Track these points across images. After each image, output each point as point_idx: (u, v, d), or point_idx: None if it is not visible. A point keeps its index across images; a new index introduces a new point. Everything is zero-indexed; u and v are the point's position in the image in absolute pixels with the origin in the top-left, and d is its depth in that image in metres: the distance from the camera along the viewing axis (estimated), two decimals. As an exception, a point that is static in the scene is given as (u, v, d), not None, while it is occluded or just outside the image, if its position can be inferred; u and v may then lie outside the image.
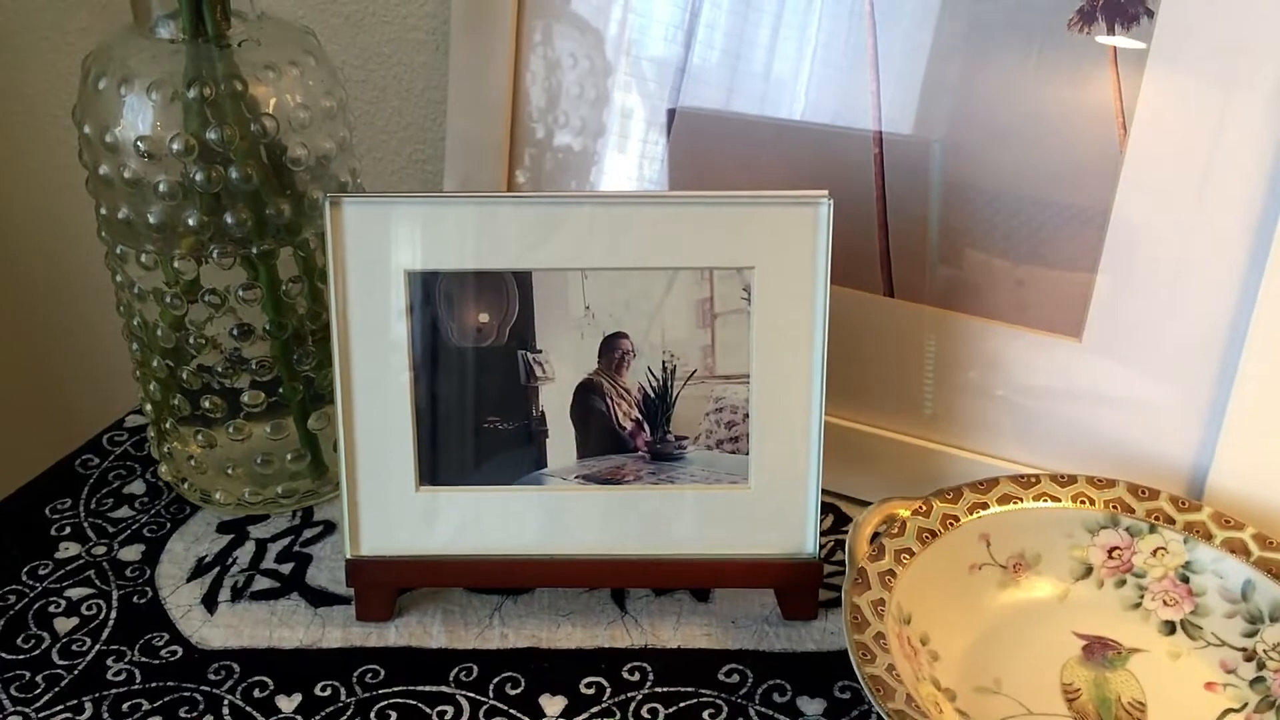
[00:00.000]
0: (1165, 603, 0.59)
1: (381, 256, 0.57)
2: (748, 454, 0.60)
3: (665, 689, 0.59)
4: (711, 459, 0.60)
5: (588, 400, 0.59)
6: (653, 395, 0.59)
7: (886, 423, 0.70)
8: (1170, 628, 0.59)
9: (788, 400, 0.59)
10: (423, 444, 0.60)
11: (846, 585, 0.55)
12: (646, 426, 0.60)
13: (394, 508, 0.60)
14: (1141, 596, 0.60)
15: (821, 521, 0.69)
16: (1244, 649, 0.56)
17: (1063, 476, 0.61)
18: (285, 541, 0.68)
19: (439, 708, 0.57)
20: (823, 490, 0.71)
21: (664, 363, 0.59)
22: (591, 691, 0.58)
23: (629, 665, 0.60)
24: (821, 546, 0.67)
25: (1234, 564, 0.58)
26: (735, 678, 0.59)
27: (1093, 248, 0.63)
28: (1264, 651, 0.56)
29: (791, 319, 0.58)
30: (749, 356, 0.59)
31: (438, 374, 0.59)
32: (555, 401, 0.59)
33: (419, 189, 0.91)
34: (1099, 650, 0.58)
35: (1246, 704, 0.55)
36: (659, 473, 0.60)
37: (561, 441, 0.60)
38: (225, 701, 0.58)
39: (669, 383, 0.59)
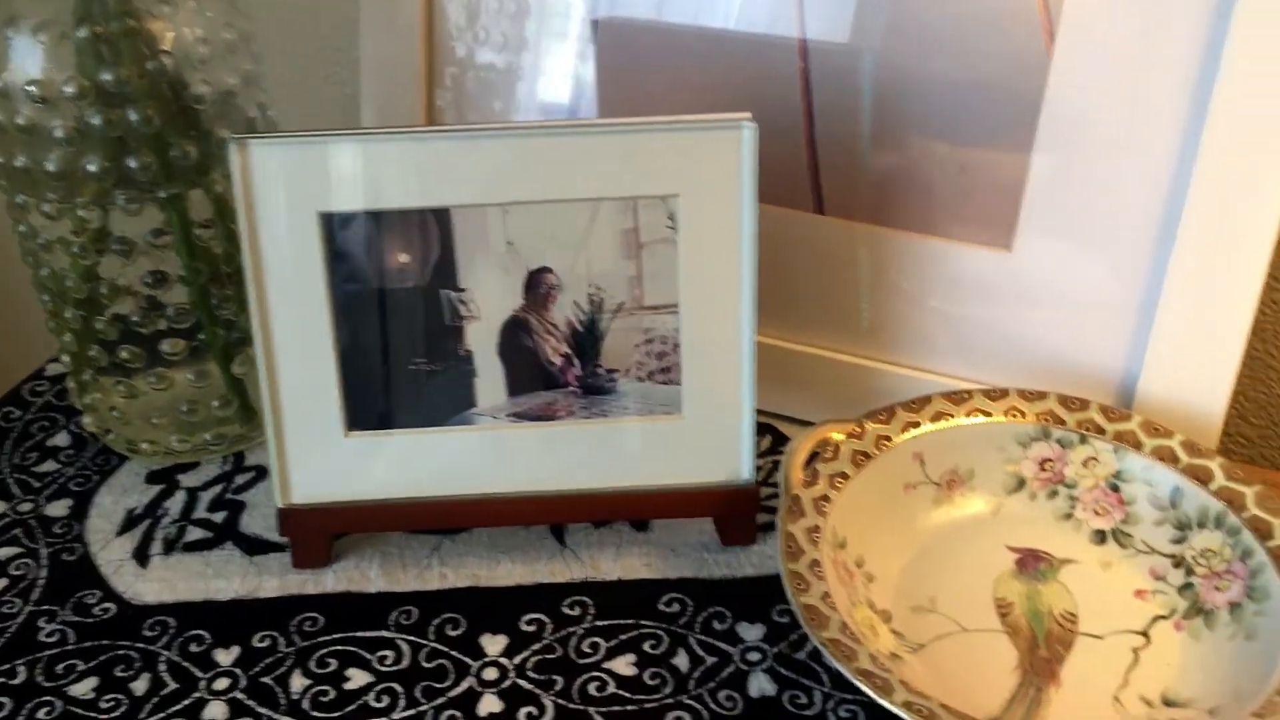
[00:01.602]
0: (1096, 512, 0.60)
1: (293, 199, 0.55)
2: (680, 384, 0.59)
3: (606, 622, 0.59)
4: (644, 390, 0.59)
5: (515, 337, 0.58)
6: (581, 329, 0.58)
7: (821, 341, 0.70)
8: (1101, 537, 0.59)
9: (718, 328, 0.58)
10: (349, 389, 0.58)
11: (781, 513, 0.55)
12: (576, 361, 0.59)
13: (323, 454, 0.59)
14: (1073, 507, 0.60)
15: (759, 443, 0.69)
16: (1173, 556, 0.57)
17: (994, 391, 0.62)
18: (217, 489, 0.67)
19: (379, 653, 0.57)
20: (760, 411, 0.71)
21: (591, 296, 0.58)
22: (532, 629, 0.58)
23: (569, 600, 0.60)
24: (759, 469, 0.67)
25: (1163, 471, 0.58)
26: (675, 607, 0.59)
27: (1020, 158, 0.62)
28: (1192, 558, 0.57)
29: (718, 246, 0.57)
30: (677, 286, 0.58)
31: (360, 317, 0.57)
32: (482, 340, 0.58)
33: (337, 115, 0.88)
34: (1031, 563, 0.58)
35: (1175, 610, 0.56)
36: (591, 407, 0.59)
37: (491, 380, 0.59)
38: (162, 658, 0.57)
39: (597, 316, 0.58)
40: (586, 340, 0.58)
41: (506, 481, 0.60)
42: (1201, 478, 0.57)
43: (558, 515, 0.62)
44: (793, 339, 0.70)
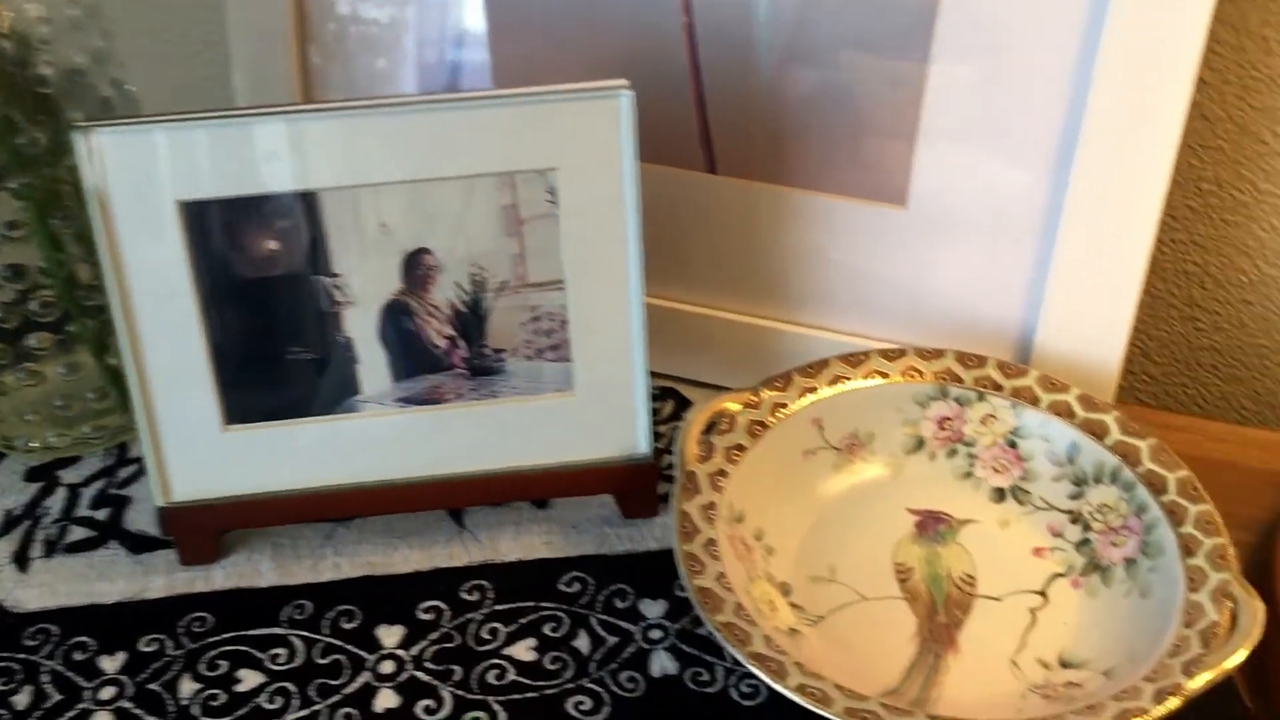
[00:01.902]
0: (995, 470, 0.60)
1: (148, 188, 0.52)
2: (570, 361, 0.57)
3: (505, 606, 0.58)
4: (534, 369, 0.58)
5: (396, 321, 0.56)
6: (464, 310, 0.56)
7: (720, 302, 0.68)
8: (1000, 495, 0.59)
9: (606, 303, 0.56)
10: (224, 381, 0.56)
11: (675, 492, 0.54)
12: (462, 343, 0.57)
13: (202, 450, 0.57)
14: (972, 465, 0.60)
15: (660, 409, 0.68)
16: (1070, 512, 0.57)
17: (892, 351, 0.61)
18: (99, 485, 0.64)
19: (272, 651, 0.55)
20: (661, 375, 0.70)
21: (472, 275, 0.55)
22: (430, 617, 0.57)
23: (468, 584, 0.59)
24: (660, 436, 0.66)
25: (1060, 427, 0.58)
26: (576, 586, 0.58)
27: (912, 112, 0.61)
28: (1089, 513, 0.57)
29: (602, 219, 0.55)
30: (561, 262, 0.56)
31: (230, 308, 0.55)
32: (362, 326, 0.56)
33: (211, 84, 0.84)
34: (931, 525, 0.58)
35: (1072, 567, 0.56)
36: (480, 388, 0.58)
37: (374, 366, 0.57)
38: (44, 668, 0.55)
39: (480, 296, 0.56)
40: (470, 321, 0.56)
41: (398, 468, 0.58)
42: (1097, 432, 0.57)
43: (452, 500, 0.60)
44: (692, 301, 0.68)
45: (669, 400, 0.69)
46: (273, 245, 0.54)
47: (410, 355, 0.57)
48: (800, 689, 0.46)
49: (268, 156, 0.52)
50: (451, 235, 0.55)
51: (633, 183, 0.54)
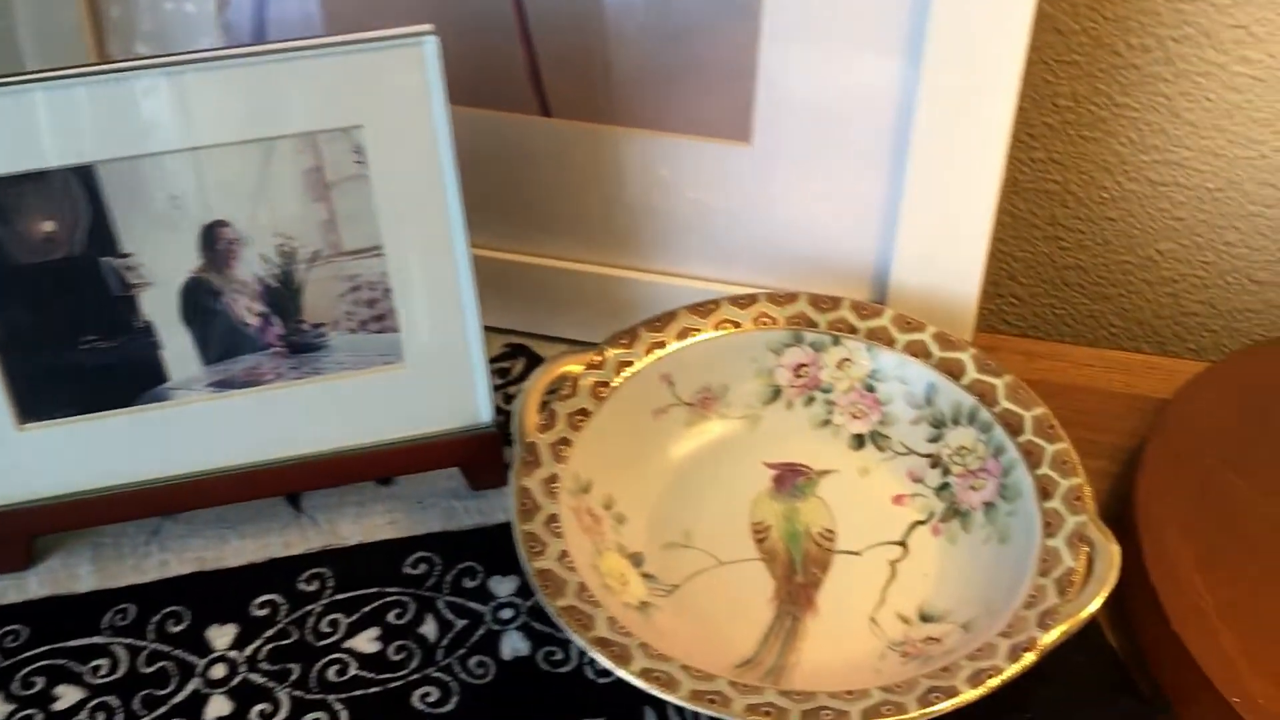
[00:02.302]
0: (853, 415, 0.57)
1: (-102, 170, 0.47)
2: (397, 331, 0.53)
3: (346, 594, 0.54)
4: (358, 342, 0.54)
5: (199, 301, 0.51)
6: (274, 284, 0.52)
7: (565, 252, 0.64)
8: (859, 441, 0.57)
9: (429, 267, 0.52)
10: (12, 378, 0.51)
11: (514, 467, 0.51)
12: (276, 319, 0.52)
13: (-2, 452, 0.52)
14: (830, 413, 0.58)
15: (510, 369, 0.65)
16: (930, 456, 0.55)
17: (742, 298, 0.58)
18: (-101, 491, 0.59)
19: (93, 663, 0.51)
20: (509, 332, 0.66)
21: (280, 246, 0.51)
22: (265, 612, 0.54)
23: (306, 574, 0.55)
24: (511, 398, 0.63)
25: (916, 368, 0.56)
26: (422, 568, 0.55)
27: (750, 43, 0.57)
28: (948, 456, 0.55)
29: (416, 177, 0.51)
30: (377, 226, 0.51)
31: (9, 299, 0.50)
32: (161, 308, 0.51)
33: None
34: (789, 479, 0.56)
35: (933, 514, 0.54)
36: (302, 366, 0.53)
37: (180, 351, 0.52)
38: None
39: (290, 268, 0.51)
40: (283, 295, 0.52)
41: (220, 456, 0.54)
42: (954, 372, 0.55)
43: (283, 486, 0.56)
44: (536, 253, 0.65)
45: (519, 359, 0.66)
46: (49, 227, 0.49)
47: (220, 336, 0.52)
48: (644, 673, 0.44)
49: (31, 129, 0.47)
50: (251, 204, 0.50)
51: (446, 135, 0.50)
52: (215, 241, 0.50)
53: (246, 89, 0.48)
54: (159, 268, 0.50)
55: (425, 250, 0.52)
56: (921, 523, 0.54)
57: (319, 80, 0.48)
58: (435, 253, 0.52)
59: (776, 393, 0.58)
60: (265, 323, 0.52)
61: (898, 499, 0.55)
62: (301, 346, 0.53)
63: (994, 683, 0.43)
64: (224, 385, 0.53)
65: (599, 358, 0.55)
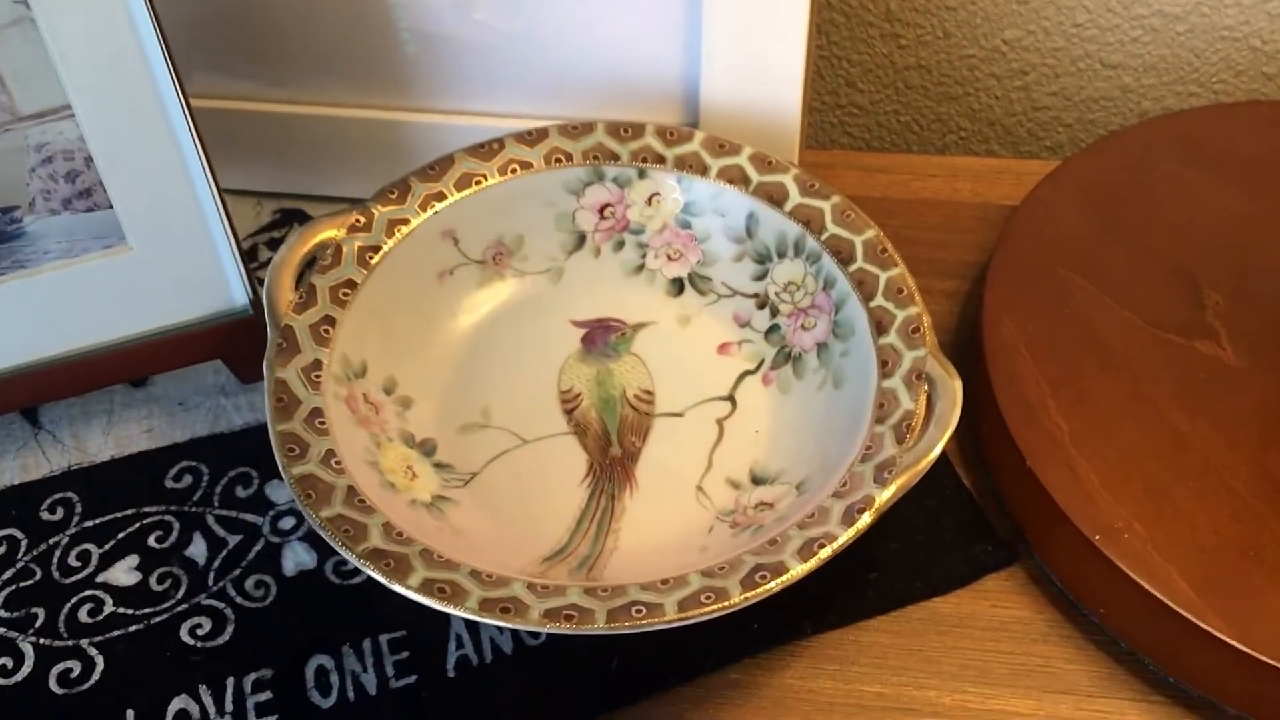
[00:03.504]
0: (669, 257, 0.50)
1: None
2: (111, 206, 0.45)
3: (97, 520, 0.47)
4: (66, 225, 0.45)
5: None
6: (-60, 164, 0.42)
7: (331, 96, 0.55)
8: (679, 286, 0.50)
9: (138, 126, 0.43)
10: None
11: (268, 356, 0.43)
12: (-48, 206, 0.43)
13: None
14: (644, 256, 0.50)
15: (279, 237, 0.56)
16: (756, 295, 0.49)
17: (529, 134, 0.50)
18: None
19: None
20: (279, 195, 0.58)
21: (-64, 117, 0.41)
22: (1, 550, 0.46)
23: (49, 500, 0.47)
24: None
25: (734, 196, 0.49)
26: (187, 480, 0.48)
27: None
28: (775, 294, 0.48)
29: (100, 13, 0.41)
30: (60, 80, 0.42)
31: None
32: None
33: None
34: (600, 337, 0.49)
35: (763, 361, 0.48)
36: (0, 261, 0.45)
37: None
38: None
39: (-44, 142, 0.42)
40: (-46, 177, 0.43)
41: (-81, 375, 0.46)
42: (776, 197, 0.48)
43: (9, 401, 0.47)
44: (298, 100, 0.55)
45: (291, 224, 0.57)
46: None
47: (-116, 234, 0.43)
48: (425, 586, 0.37)
49: None
50: (-113, 66, 0.40)
51: (127, -40, 0.40)
52: None
53: None
54: None
55: (126, 105, 0.43)
56: (750, 372, 0.48)
57: (-57, -102, 0.38)
58: (140, 106, 0.43)
59: (580, 240, 0.50)
60: (-61, 212, 0.43)
61: (723, 348, 0.49)
62: (-7, 237, 0.44)
63: (826, 554, 0.38)
64: (-95, 292, 0.44)
65: (363, 218, 0.47)
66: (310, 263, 0.46)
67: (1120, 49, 0.64)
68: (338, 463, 0.41)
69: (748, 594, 0.37)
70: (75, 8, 0.41)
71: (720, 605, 0.37)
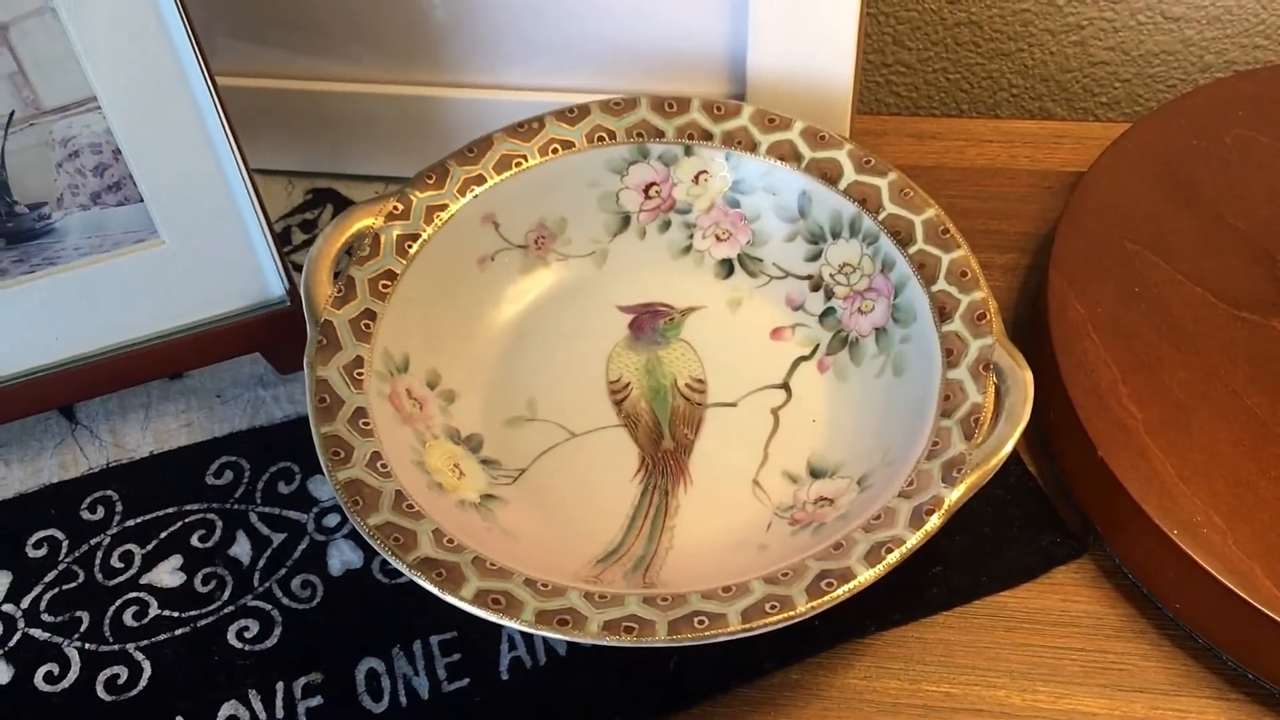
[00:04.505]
0: (718, 238, 0.48)
1: None
2: (142, 200, 0.43)
3: (139, 519, 0.46)
4: (96, 220, 0.43)
5: None
6: (-35, 161, 0.41)
7: (366, 73, 0.53)
8: (728, 268, 0.48)
9: (166, 113, 0.41)
10: None
11: (309, 355, 0.42)
12: (-21, 204, 0.42)
13: None
14: (691, 237, 0.49)
15: (314, 219, 0.55)
16: (809, 276, 0.47)
17: (570, 112, 0.48)
18: None
19: None
20: (312, 175, 0.56)
21: (-41, 112, 0.40)
22: (43, 552, 0.45)
23: (89, 499, 0.46)
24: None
25: (786, 174, 0.47)
26: (228, 476, 0.47)
27: None
28: (830, 276, 0.46)
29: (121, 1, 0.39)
30: (84, 71, 0.40)
31: None
32: None
33: None
34: (648, 323, 0.47)
35: (818, 346, 0.46)
36: (28, 259, 0.43)
37: None
38: None
39: (-19, 138, 0.40)
40: (-21, 174, 0.41)
41: (-48, 375, 0.44)
42: (830, 175, 0.46)
43: (45, 399, 0.46)
44: (331, 76, 0.53)
45: (325, 205, 0.55)
46: None
47: (-89, 234, 0.41)
48: (480, 597, 0.36)
49: None
50: (-94, 61, 0.38)
51: (150, -56, 0.38)
52: None
53: None
54: None
55: (153, 94, 0.41)
56: (805, 358, 0.46)
57: (-44, -117, 0.36)
58: (167, 95, 0.41)
59: (625, 221, 0.48)
60: (-34, 210, 0.42)
61: (776, 333, 0.47)
62: (21, 234, 0.42)
63: (894, 559, 0.36)
64: (-66, 292, 0.43)
65: (401, 205, 0.45)
66: (348, 253, 0.44)
67: (1182, 1, 0.61)
68: (383, 465, 0.39)
69: (814, 602, 0.35)
70: (98, -5, 0.39)
71: (785, 615, 0.35)
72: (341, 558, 0.44)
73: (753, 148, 0.47)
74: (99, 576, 0.44)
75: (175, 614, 0.43)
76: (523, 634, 0.42)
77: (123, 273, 0.44)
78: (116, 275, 0.44)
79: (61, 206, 0.42)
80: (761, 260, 0.48)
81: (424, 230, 0.45)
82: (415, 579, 0.37)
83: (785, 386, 0.45)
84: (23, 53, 0.39)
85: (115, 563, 0.45)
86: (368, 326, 0.43)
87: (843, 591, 0.36)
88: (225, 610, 0.43)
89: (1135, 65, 0.64)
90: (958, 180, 0.55)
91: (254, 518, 0.45)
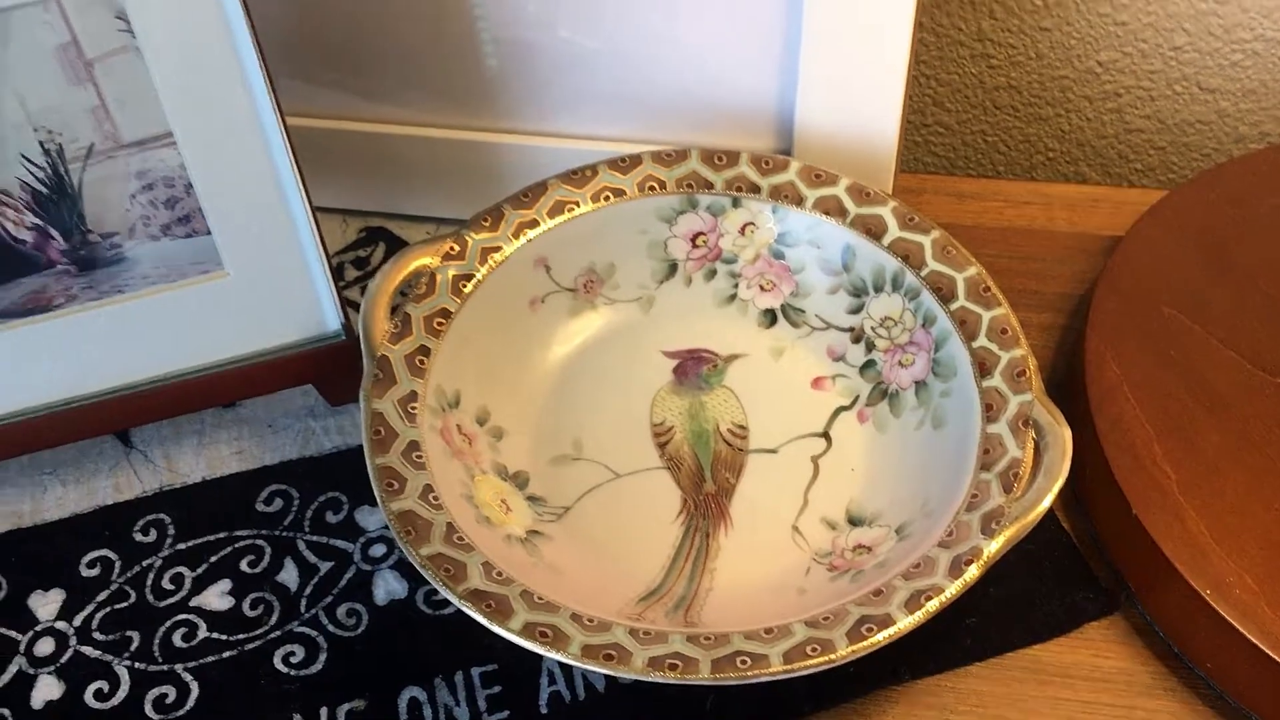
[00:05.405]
0: (762, 288, 0.50)
1: None
2: (209, 233, 0.45)
3: (190, 543, 0.47)
4: (164, 251, 0.45)
5: (-46, 218, 0.42)
6: (44, 190, 0.42)
7: (421, 117, 0.55)
8: (771, 317, 0.50)
9: (236, 151, 0.43)
10: None
11: (365, 387, 0.43)
12: (54, 232, 0.43)
13: None
14: (736, 286, 0.50)
15: (366, 257, 0.56)
16: (851, 329, 0.48)
17: (622, 161, 0.49)
18: None
19: (-108, 654, 0.44)
20: (365, 214, 0.58)
21: (42, 144, 0.41)
22: (96, 571, 0.46)
23: (142, 521, 0.47)
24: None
25: (830, 228, 0.48)
26: (278, 503, 0.48)
27: None
28: (871, 329, 0.48)
29: (201, 41, 0.41)
30: (161, 109, 0.42)
31: None
32: (-93, 230, 0.42)
33: None
34: (692, 368, 0.48)
35: (858, 397, 0.47)
36: (97, 286, 0.44)
37: (-59, 279, 0.43)
38: None
39: (61, 168, 0.42)
40: (57, 202, 0.43)
41: (20, 396, 0.46)
42: (874, 230, 0.47)
43: (102, 423, 0.48)
44: (387, 119, 0.55)
45: (377, 244, 0.57)
46: None
47: (-11, 258, 0.43)
48: (527, 630, 0.37)
49: None
50: (-4, 94, 0.40)
51: (234, -12, 0.40)
52: (-43, 144, 0.41)
53: (-37, -54, 0.38)
54: (-108, 182, 0.41)
55: (227, 132, 0.43)
56: (846, 408, 0.47)
57: (56, -72, 0.38)
58: (240, 133, 0.43)
59: (672, 268, 0.50)
60: (42, 237, 0.43)
61: (817, 382, 0.48)
62: (92, 262, 0.44)
63: (933, 607, 0.37)
64: (3, 316, 0.44)
65: (457, 246, 0.47)
66: (405, 292, 0.46)
67: (1219, 73, 0.62)
68: (435, 498, 0.40)
69: (855, 646, 0.36)
70: (179, 35, 0.41)
71: (826, 658, 0.36)
72: (386, 587, 0.45)
73: (799, 202, 0.48)
74: (150, 597, 0.45)
75: (223, 637, 0.44)
76: (562, 668, 0.43)
77: (186, 303, 0.46)
78: (180, 305, 0.46)
79: (133, 237, 0.44)
80: (804, 311, 0.49)
81: (478, 271, 0.47)
82: (466, 610, 0.38)
83: (825, 435, 0.46)
84: (106, 88, 0.41)
85: (166, 584, 0.46)
86: (422, 362, 0.44)
87: (883, 637, 0.37)
88: (272, 635, 0.44)
89: (1170, 134, 0.65)
90: (996, 240, 0.56)
91: (302, 545, 0.47)
